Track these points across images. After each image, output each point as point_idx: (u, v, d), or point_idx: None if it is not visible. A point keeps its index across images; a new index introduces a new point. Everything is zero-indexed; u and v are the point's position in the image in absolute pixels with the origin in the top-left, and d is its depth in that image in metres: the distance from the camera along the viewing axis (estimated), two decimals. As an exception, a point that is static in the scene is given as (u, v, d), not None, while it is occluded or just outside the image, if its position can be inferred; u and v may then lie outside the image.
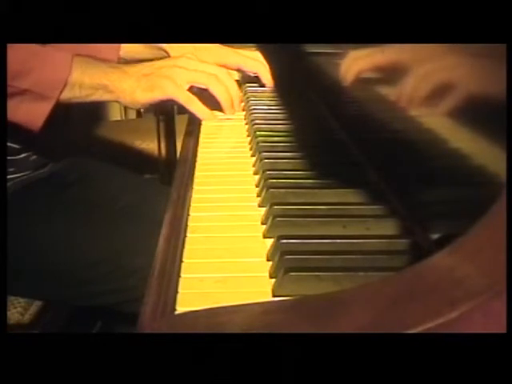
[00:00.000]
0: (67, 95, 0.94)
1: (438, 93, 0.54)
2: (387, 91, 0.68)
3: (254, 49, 1.20)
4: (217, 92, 0.96)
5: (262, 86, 1.11)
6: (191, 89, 0.95)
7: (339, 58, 0.82)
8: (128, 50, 1.14)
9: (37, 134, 0.95)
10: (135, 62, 1.10)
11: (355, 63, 0.77)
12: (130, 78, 0.94)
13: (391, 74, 0.65)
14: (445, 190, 0.55)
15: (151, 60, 1.01)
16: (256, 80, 1.12)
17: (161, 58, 1.03)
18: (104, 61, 0.99)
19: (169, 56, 1.08)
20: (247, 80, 1.15)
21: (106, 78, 0.94)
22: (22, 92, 0.92)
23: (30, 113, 0.92)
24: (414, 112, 0.60)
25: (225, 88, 0.96)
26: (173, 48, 1.09)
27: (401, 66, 0.62)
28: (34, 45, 0.94)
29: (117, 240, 0.99)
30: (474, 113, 0.49)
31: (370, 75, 0.73)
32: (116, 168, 1.24)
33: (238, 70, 1.10)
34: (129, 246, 0.98)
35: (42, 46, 0.94)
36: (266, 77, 1.10)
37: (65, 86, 0.93)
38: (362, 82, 0.76)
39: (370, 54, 0.72)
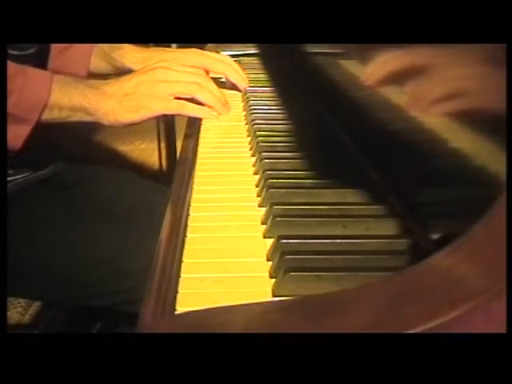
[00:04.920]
0: (47, 116, 0.94)
1: (440, 98, 0.54)
2: (388, 93, 0.68)
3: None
4: (205, 99, 0.96)
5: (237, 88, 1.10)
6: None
7: (339, 58, 0.82)
8: (95, 65, 1.18)
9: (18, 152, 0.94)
10: (102, 76, 1.13)
11: (371, 74, 0.76)
12: (111, 98, 0.94)
13: (396, 78, 0.65)
14: (445, 190, 0.55)
15: (116, 75, 1.03)
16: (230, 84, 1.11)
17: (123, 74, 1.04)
18: (80, 77, 1.00)
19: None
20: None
21: (86, 100, 0.94)
22: None
23: (9, 135, 0.91)
24: (415, 114, 0.60)
25: (210, 92, 0.97)
26: (136, 65, 1.10)
27: (409, 72, 0.62)
28: (13, 64, 0.93)
29: (116, 242, 0.99)
30: (474, 114, 0.49)
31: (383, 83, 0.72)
32: (115, 169, 1.24)
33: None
34: (128, 247, 0.98)
35: (20, 66, 0.93)
36: (235, 77, 1.10)
37: (44, 107, 0.93)
38: (362, 83, 0.76)
39: (383, 63, 0.70)
